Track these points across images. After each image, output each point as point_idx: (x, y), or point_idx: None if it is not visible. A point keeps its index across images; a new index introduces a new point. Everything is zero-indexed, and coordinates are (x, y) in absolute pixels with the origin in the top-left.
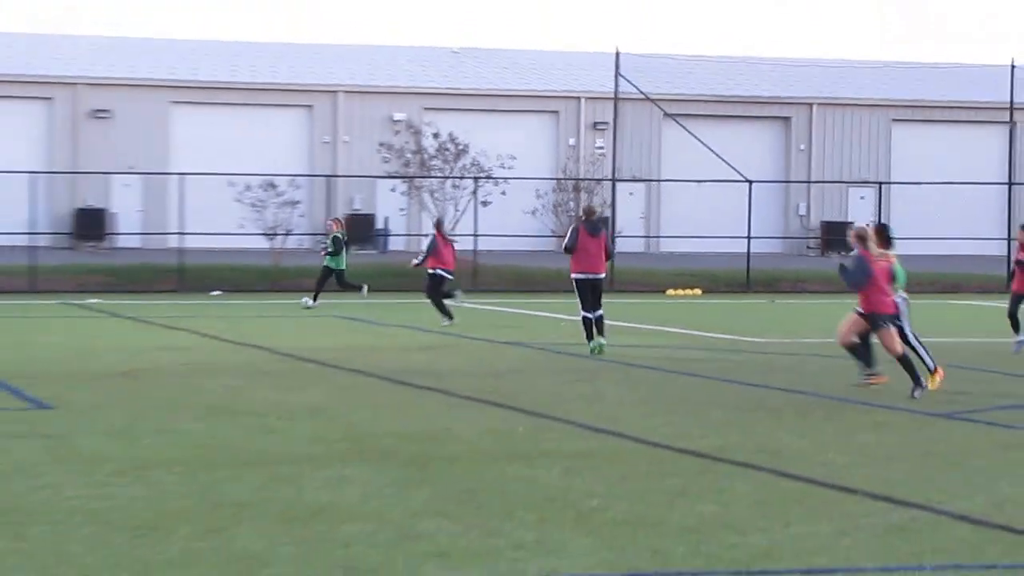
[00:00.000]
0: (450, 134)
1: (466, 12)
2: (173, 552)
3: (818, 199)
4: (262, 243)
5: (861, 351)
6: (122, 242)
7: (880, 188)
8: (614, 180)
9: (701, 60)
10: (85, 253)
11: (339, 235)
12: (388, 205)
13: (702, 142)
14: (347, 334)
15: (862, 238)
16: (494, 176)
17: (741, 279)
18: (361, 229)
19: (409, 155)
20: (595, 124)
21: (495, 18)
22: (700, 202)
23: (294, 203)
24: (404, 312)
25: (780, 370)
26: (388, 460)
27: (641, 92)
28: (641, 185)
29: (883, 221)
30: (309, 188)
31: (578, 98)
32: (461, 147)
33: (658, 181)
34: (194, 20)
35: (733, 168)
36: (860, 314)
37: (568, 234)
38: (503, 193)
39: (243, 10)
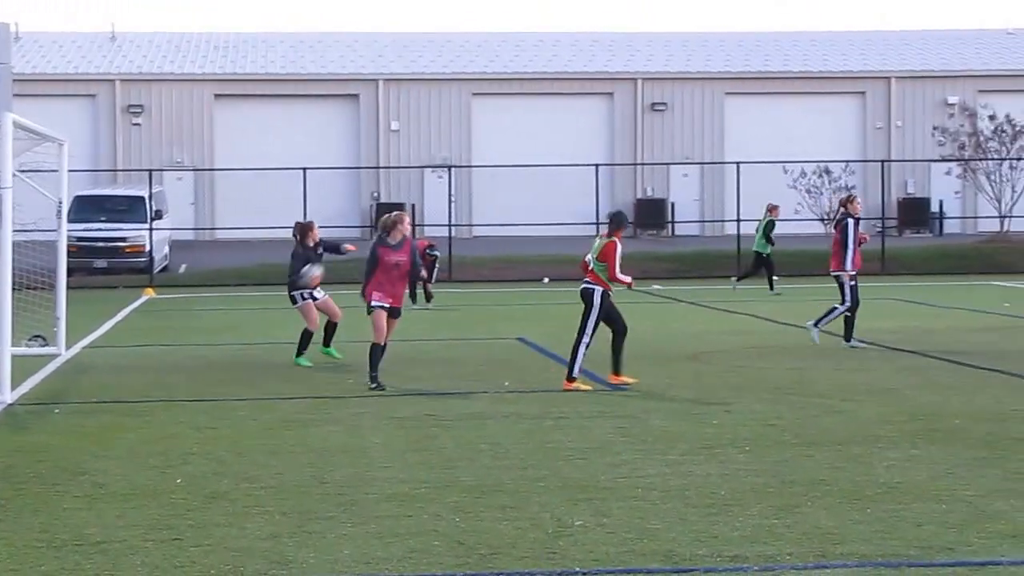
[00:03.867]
0: (1007, 115)
1: None
2: (748, 528)
3: None
4: (818, 228)
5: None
6: (681, 230)
7: None
8: None
9: None
10: (646, 241)
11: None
12: (942, 188)
13: None
14: (905, 316)
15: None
16: None
17: None
18: (915, 213)
19: (964, 138)
20: None
21: None
22: None
23: (848, 188)
24: (961, 294)
25: None
26: (956, 440)
27: None
28: None
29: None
30: (863, 173)
31: None
32: (1018, 128)
33: None
34: (748, 12)
35: None
36: None
37: None
38: None
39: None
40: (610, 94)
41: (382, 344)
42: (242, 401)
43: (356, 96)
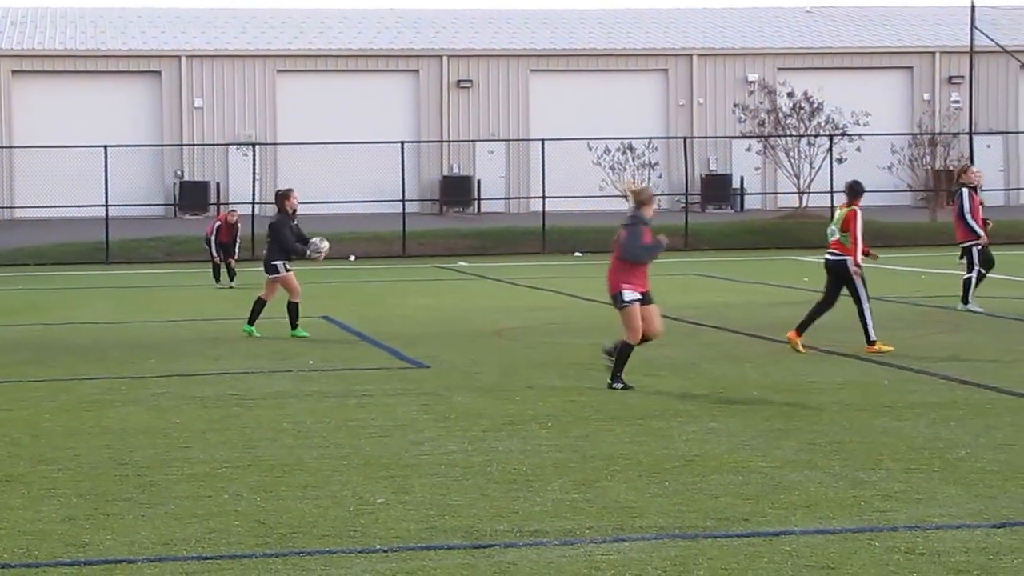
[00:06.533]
0: (804, 92)
1: None
2: (548, 503)
3: None
4: (621, 205)
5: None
6: (486, 207)
7: None
8: (971, 133)
9: None
10: (452, 218)
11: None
12: (743, 165)
13: None
14: (707, 291)
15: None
16: (849, 133)
17: None
18: (717, 189)
19: (764, 115)
20: (950, 78)
21: None
22: None
23: (652, 165)
24: (762, 269)
25: None
26: (754, 413)
27: (998, 45)
28: (998, 137)
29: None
30: (666, 150)
31: (932, 53)
32: (815, 105)
33: (1016, 133)
34: None
35: None
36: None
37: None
38: (858, 150)
39: None
40: (415, 71)
41: (637, 343)
42: (40, 382)
43: (158, 73)
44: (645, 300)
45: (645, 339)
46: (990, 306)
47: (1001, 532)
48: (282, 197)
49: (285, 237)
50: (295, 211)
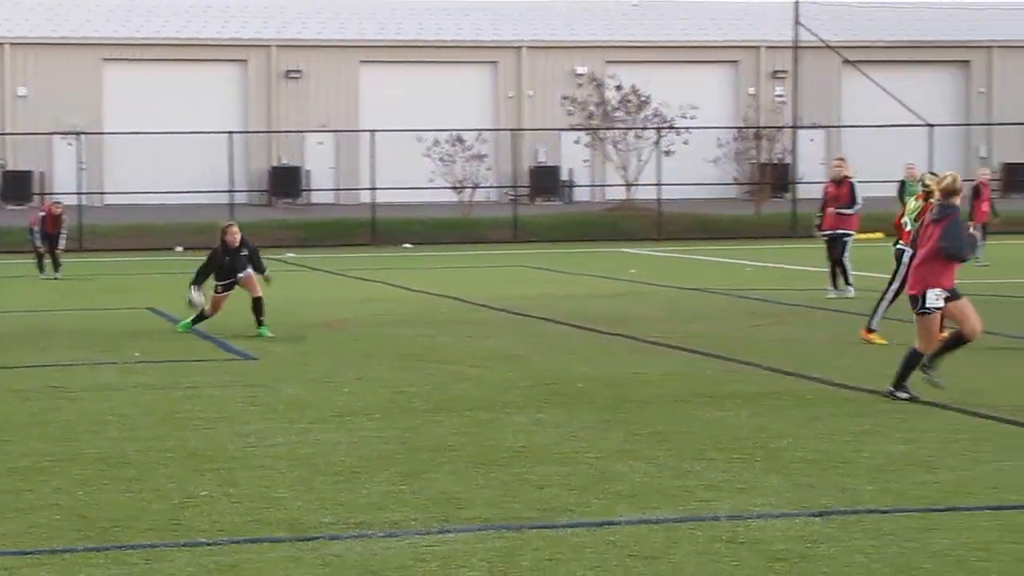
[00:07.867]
0: (632, 86)
1: None
2: (374, 495)
3: (1000, 141)
4: (451, 196)
5: None
6: (316, 198)
7: None
8: (795, 127)
9: (879, 6)
10: (281, 209)
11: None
12: (572, 157)
13: (882, 87)
14: (535, 283)
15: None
16: (676, 126)
17: None
18: (546, 181)
19: (592, 107)
20: (774, 72)
21: None
22: (881, 147)
23: (481, 157)
24: (590, 261)
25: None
26: (581, 404)
27: (821, 40)
28: (821, 132)
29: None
30: (495, 142)
31: (757, 47)
32: (643, 98)
33: (838, 127)
34: None
35: (913, 112)
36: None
37: None
38: (685, 143)
39: None
40: (244, 61)
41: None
42: None
43: None
44: (953, 295)
45: (965, 341)
46: (816, 298)
47: (819, 520)
48: (220, 232)
49: (200, 267)
50: (236, 244)
